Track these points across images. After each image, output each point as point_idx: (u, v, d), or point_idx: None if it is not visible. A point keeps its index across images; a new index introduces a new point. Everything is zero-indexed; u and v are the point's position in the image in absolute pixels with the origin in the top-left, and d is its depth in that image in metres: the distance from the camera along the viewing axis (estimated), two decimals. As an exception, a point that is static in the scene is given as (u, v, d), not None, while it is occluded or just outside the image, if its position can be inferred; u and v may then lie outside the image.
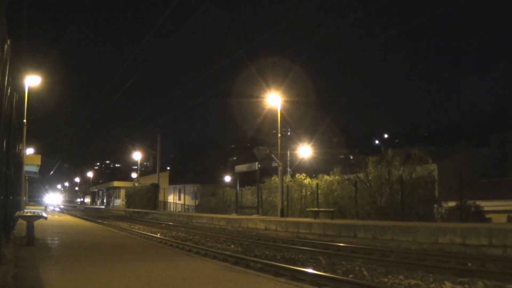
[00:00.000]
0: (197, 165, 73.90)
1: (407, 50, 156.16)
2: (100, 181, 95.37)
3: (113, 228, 21.48)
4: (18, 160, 14.67)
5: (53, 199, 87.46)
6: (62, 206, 78.95)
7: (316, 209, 20.59)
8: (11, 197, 9.97)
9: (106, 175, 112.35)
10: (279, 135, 25.16)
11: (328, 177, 24.23)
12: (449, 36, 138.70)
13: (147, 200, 46.17)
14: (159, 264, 7.37)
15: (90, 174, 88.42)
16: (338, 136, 68.89)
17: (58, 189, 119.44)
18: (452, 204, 18.34)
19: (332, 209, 19.65)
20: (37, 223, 10.04)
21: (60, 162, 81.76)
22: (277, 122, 25.03)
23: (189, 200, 50.33)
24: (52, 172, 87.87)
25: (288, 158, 31.87)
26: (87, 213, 48.17)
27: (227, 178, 53.88)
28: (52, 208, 59.65)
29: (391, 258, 10.30)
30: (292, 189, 25.85)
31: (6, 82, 6.21)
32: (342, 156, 58.66)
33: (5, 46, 5.78)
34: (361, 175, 21.19)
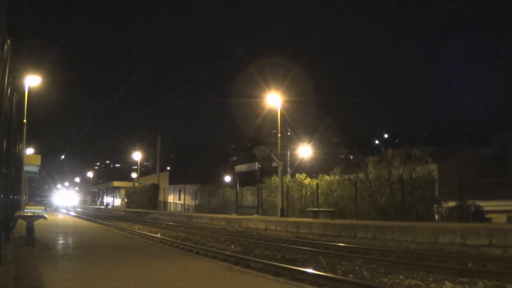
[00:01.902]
0: (197, 165, 73.82)
1: (407, 50, 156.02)
2: (100, 181, 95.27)
3: (113, 228, 21.48)
4: (18, 160, 14.66)
5: (65, 199, 71.22)
6: (79, 209, 60.97)
7: (316, 209, 20.59)
8: (11, 197, 9.96)
9: (106, 175, 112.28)
10: (279, 135, 25.15)
11: (328, 177, 24.23)
12: (449, 35, 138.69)
13: (147, 200, 46.17)
14: (159, 264, 7.37)
15: (90, 174, 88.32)
16: (338, 136, 68.80)
17: (74, 185, 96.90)
18: (452, 204, 18.35)
19: (332, 209, 19.66)
20: (37, 223, 10.05)
21: (64, 156, 76.99)
22: (277, 122, 25.02)
23: (189, 200, 50.32)
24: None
25: (288, 158, 31.85)
26: (86, 213, 48.16)
27: (227, 178, 53.87)
28: (65, 211, 48.63)
29: (391, 258, 10.30)
30: (292, 189, 25.85)
31: (6, 82, 6.21)
32: (342, 156, 58.57)
33: (5, 46, 5.78)
34: (361, 175, 21.20)
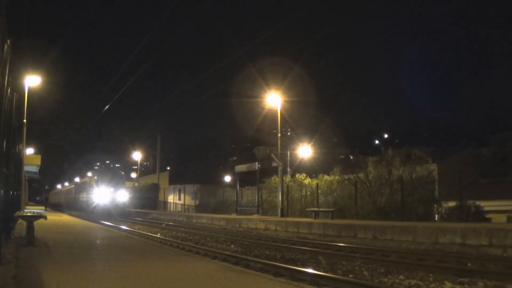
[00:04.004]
0: (197, 165, 73.83)
1: (407, 50, 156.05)
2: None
3: (113, 228, 21.48)
4: (18, 160, 14.66)
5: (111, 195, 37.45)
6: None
7: (316, 209, 20.59)
8: (11, 197, 9.96)
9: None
10: (279, 135, 25.16)
11: (328, 177, 24.23)
12: (449, 35, 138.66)
13: (147, 200, 46.14)
14: (159, 264, 7.37)
15: (90, 174, 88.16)
16: (338, 136, 68.74)
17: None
18: (452, 204, 18.35)
19: (332, 209, 19.66)
20: (37, 223, 10.04)
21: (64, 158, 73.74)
22: (277, 122, 25.03)
23: (189, 200, 50.33)
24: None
25: (288, 158, 31.86)
26: (86, 213, 48.13)
27: (227, 178, 53.83)
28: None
29: (391, 258, 10.31)
30: (292, 189, 25.85)
31: (6, 82, 6.21)
32: (342, 156, 58.50)
33: (5, 46, 5.78)
34: (361, 175, 21.20)
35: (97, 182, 36.87)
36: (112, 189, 36.19)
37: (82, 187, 43.22)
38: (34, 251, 8.49)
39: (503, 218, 21.61)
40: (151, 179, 52.23)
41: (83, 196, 40.88)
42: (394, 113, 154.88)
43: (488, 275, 7.60)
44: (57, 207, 55.36)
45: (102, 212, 33.23)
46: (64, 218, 27.98)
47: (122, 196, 37.03)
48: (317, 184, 23.56)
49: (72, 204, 47.07)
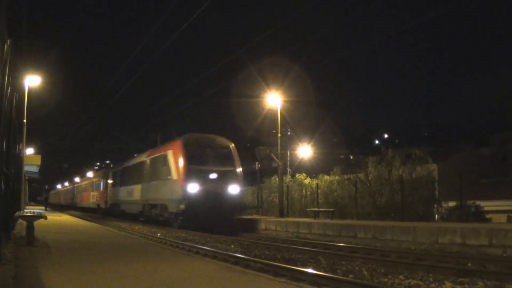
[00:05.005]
0: (197, 165, 73.78)
1: (407, 50, 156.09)
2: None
3: (113, 228, 21.46)
4: (18, 160, 14.66)
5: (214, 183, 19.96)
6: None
7: (316, 209, 20.60)
8: (11, 197, 9.96)
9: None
10: (279, 135, 25.14)
11: (328, 177, 24.24)
12: (449, 35, 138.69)
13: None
14: (159, 264, 7.37)
15: (90, 174, 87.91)
16: (338, 136, 68.80)
17: None
18: (452, 204, 18.37)
19: (332, 209, 19.66)
20: (37, 223, 10.04)
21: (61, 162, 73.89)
22: (277, 122, 25.00)
23: (189, 200, 50.15)
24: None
25: (288, 158, 31.89)
26: (86, 213, 48.12)
27: (227, 178, 53.67)
28: None
29: (391, 258, 10.30)
30: (292, 189, 25.86)
31: (6, 82, 6.21)
32: (342, 156, 58.57)
33: (5, 46, 5.78)
34: (361, 175, 21.21)
35: (181, 159, 19.70)
36: (215, 176, 19.73)
37: (136, 171, 25.59)
38: (34, 251, 8.48)
39: (503, 218, 21.64)
40: (151, 179, 51.96)
41: (134, 191, 25.56)
42: (394, 113, 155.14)
43: (488, 275, 7.60)
44: (58, 208, 55.13)
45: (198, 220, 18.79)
46: (64, 218, 27.97)
47: (235, 188, 20.00)
48: (317, 184, 23.56)
49: (95, 206, 33.48)
